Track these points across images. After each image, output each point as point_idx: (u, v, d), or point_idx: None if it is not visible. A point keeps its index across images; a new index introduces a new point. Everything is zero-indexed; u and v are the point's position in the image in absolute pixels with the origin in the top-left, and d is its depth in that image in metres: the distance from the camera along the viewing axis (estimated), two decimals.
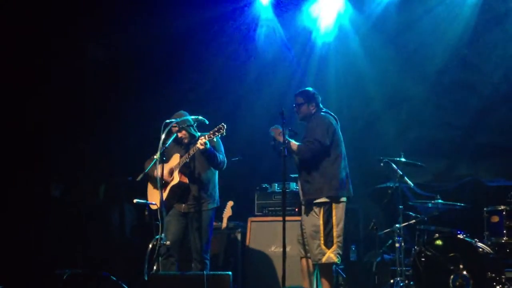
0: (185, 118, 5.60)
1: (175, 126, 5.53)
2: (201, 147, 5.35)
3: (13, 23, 6.88)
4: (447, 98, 7.46)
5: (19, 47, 6.98)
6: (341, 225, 5.29)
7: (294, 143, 5.34)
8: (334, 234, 5.24)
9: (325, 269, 5.29)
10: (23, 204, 6.94)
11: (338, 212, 5.28)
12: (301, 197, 5.47)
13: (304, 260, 5.47)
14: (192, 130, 5.68)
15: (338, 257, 5.24)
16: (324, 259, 5.22)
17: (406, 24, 7.40)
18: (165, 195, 5.55)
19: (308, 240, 5.32)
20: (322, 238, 5.22)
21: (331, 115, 5.56)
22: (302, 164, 5.43)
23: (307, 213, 5.37)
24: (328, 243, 5.22)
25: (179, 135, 5.66)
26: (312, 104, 5.53)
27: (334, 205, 5.27)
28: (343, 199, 5.34)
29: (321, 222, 5.25)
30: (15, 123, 7.00)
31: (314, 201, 5.31)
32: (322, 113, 5.52)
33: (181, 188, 5.62)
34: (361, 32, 7.62)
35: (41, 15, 7.04)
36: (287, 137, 5.25)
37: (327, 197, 5.27)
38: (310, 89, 5.63)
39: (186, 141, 5.71)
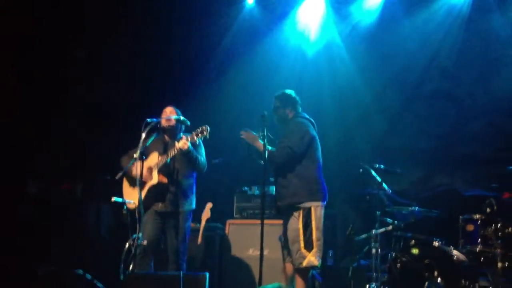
0: (174, 117, 5.62)
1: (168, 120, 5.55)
2: (185, 146, 5.33)
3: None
4: (426, 108, 7.52)
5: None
6: (321, 228, 5.27)
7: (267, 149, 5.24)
8: (314, 237, 5.21)
9: (302, 273, 5.27)
10: None
11: (317, 215, 5.26)
12: (279, 202, 5.43)
13: (285, 264, 5.46)
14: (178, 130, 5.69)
15: (318, 260, 5.22)
16: (305, 263, 5.19)
17: (388, 32, 7.45)
18: (143, 194, 5.48)
19: (289, 244, 5.30)
20: (302, 242, 5.20)
21: (309, 120, 5.52)
22: (279, 168, 5.38)
23: (288, 217, 5.35)
24: (308, 247, 5.20)
25: (167, 123, 5.61)
26: (288, 108, 5.49)
27: (313, 209, 5.26)
28: (322, 203, 5.34)
29: (300, 225, 5.23)
30: None
31: (293, 205, 5.29)
32: (299, 118, 5.47)
33: (160, 188, 5.59)
34: (344, 40, 7.67)
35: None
36: (260, 140, 5.20)
37: (305, 201, 5.26)
38: (289, 92, 5.57)
39: (169, 134, 5.66)
